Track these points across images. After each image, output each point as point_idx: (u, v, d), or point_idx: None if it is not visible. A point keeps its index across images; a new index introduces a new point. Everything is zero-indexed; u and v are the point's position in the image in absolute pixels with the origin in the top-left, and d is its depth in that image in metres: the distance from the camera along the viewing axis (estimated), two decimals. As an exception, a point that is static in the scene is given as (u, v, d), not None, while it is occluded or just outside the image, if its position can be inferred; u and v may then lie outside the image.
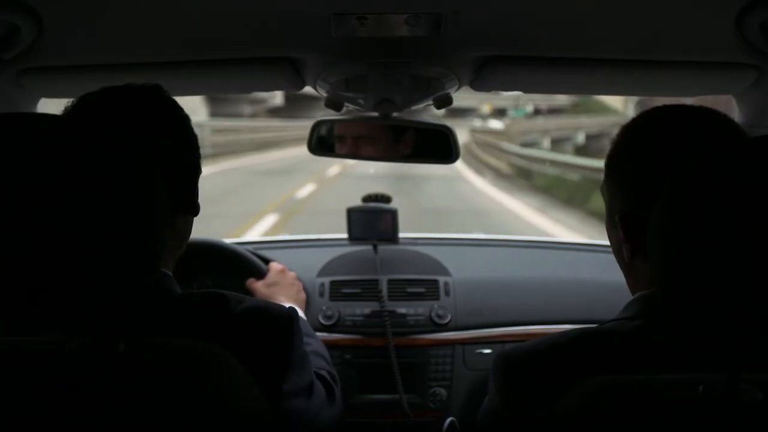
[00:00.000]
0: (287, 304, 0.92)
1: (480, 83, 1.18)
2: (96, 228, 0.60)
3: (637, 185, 0.83)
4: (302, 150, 1.55)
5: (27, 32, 0.93)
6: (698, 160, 0.61)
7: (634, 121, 0.89)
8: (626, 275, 0.89)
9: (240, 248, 1.62)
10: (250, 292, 1.51)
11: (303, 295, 1.57)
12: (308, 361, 0.94)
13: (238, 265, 1.59)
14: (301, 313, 1.19)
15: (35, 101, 1.19)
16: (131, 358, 0.67)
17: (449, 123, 1.35)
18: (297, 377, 0.87)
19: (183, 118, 0.93)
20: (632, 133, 0.87)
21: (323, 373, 0.98)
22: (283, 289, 1.51)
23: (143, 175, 0.65)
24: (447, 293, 1.68)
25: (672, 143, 0.81)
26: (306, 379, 0.91)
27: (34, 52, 1.01)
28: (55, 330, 0.75)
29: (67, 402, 0.63)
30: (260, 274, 1.56)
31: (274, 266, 1.57)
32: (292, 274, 1.57)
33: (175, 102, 0.93)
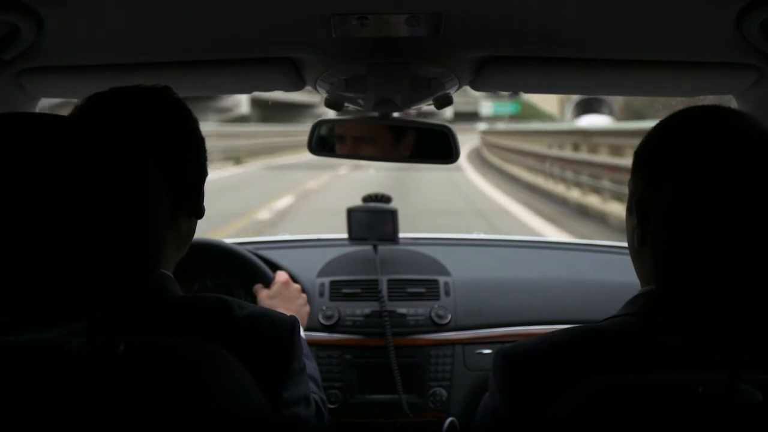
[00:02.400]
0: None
1: (480, 83, 1.18)
2: (94, 228, 0.60)
3: (654, 176, 0.83)
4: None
5: (27, 32, 0.93)
6: (701, 157, 0.61)
7: (668, 117, 0.89)
8: (635, 265, 0.89)
9: (242, 249, 1.61)
10: (251, 295, 1.51)
11: (307, 309, 1.54)
12: (306, 376, 0.93)
13: (240, 267, 1.58)
14: (302, 330, 1.19)
15: (35, 101, 1.19)
16: (131, 358, 0.67)
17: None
18: (296, 387, 0.87)
19: (190, 120, 0.92)
20: (661, 127, 0.88)
21: (315, 397, 0.98)
22: (286, 302, 1.48)
23: (142, 175, 0.65)
24: (447, 293, 1.68)
25: (689, 140, 0.82)
26: (304, 390, 0.91)
27: (34, 52, 1.01)
28: (55, 330, 0.76)
29: (67, 402, 0.63)
30: (264, 279, 1.55)
31: (280, 277, 1.54)
32: (296, 286, 1.55)
33: (183, 104, 0.92)
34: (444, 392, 1.59)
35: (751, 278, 0.56)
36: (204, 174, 0.94)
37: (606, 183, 9.00)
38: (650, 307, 0.80)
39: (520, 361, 0.81)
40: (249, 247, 1.69)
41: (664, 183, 0.65)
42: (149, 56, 1.09)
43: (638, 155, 0.88)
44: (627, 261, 0.92)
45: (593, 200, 9.46)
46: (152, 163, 0.66)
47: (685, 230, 0.60)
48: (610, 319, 0.83)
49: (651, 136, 0.88)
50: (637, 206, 0.85)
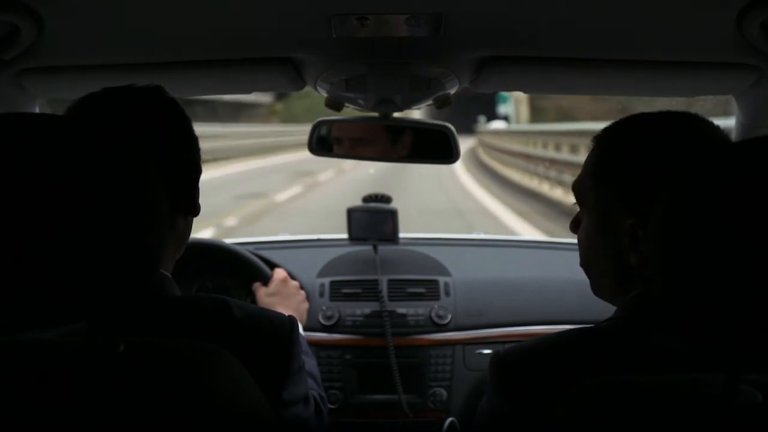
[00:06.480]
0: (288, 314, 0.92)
1: (480, 83, 1.18)
2: (95, 228, 0.60)
3: (635, 186, 0.82)
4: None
5: (27, 32, 0.93)
6: (694, 164, 0.61)
7: (620, 126, 0.88)
8: (612, 274, 0.87)
9: (241, 249, 1.61)
10: (251, 294, 1.51)
11: (306, 305, 1.55)
12: (305, 375, 0.94)
13: (240, 267, 1.58)
14: (300, 328, 1.19)
15: (34, 101, 1.19)
16: (131, 358, 0.67)
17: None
18: (296, 387, 0.88)
19: (184, 119, 0.93)
20: (626, 139, 0.86)
21: (314, 393, 0.99)
22: (285, 299, 1.49)
23: (142, 175, 0.65)
24: (447, 293, 1.68)
25: (670, 146, 0.82)
26: (304, 389, 0.91)
27: (34, 52, 1.00)
28: (55, 330, 0.76)
29: (67, 402, 0.63)
30: (262, 277, 1.55)
31: (278, 274, 1.55)
32: (294, 283, 1.56)
33: (176, 103, 0.93)
34: (444, 392, 1.59)
35: (751, 278, 0.56)
36: (199, 172, 0.94)
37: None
38: (646, 309, 0.80)
39: (516, 363, 0.81)
40: (248, 247, 1.69)
41: (650, 191, 0.64)
42: (149, 56, 1.09)
43: (604, 170, 0.86)
44: None
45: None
46: (151, 163, 0.66)
47: (685, 234, 0.59)
48: (606, 321, 0.83)
49: (615, 147, 0.86)
50: (631, 230, 0.82)
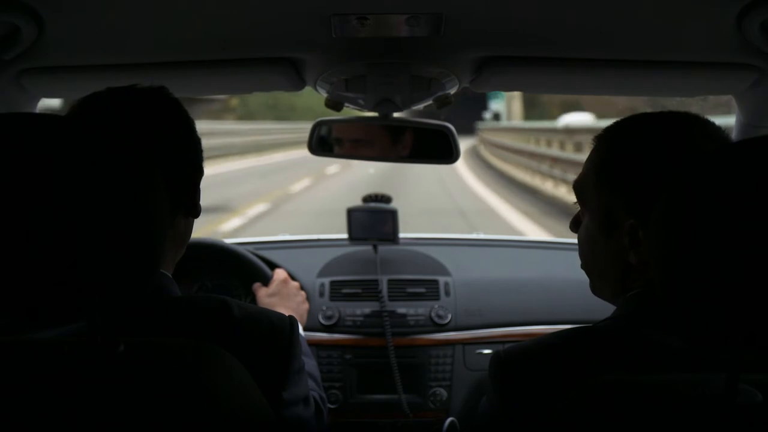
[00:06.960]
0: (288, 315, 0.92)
1: (480, 83, 1.18)
2: (95, 228, 0.60)
3: (637, 187, 0.82)
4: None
5: (27, 33, 0.93)
6: (694, 163, 0.61)
7: (622, 125, 0.88)
8: (612, 274, 0.87)
9: (242, 249, 1.62)
10: (251, 294, 1.51)
11: (306, 306, 1.55)
12: (305, 375, 0.94)
13: (240, 267, 1.59)
14: (300, 328, 1.19)
15: (35, 101, 1.19)
16: (131, 358, 0.67)
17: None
18: (296, 387, 0.88)
19: (186, 120, 0.92)
20: (628, 139, 0.86)
21: (314, 395, 0.99)
22: (285, 300, 1.49)
23: (143, 175, 0.65)
24: (447, 293, 1.68)
25: (671, 148, 0.82)
26: (304, 390, 0.91)
27: (34, 53, 1.01)
28: (55, 330, 0.76)
29: (66, 403, 0.63)
30: (263, 278, 1.55)
31: (278, 275, 1.55)
32: (295, 284, 1.56)
33: (179, 103, 0.93)
34: (444, 392, 1.59)
35: (751, 278, 0.56)
36: (200, 173, 0.94)
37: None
38: (646, 308, 0.80)
39: (514, 363, 0.81)
40: (249, 247, 1.69)
41: (652, 192, 0.64)
42: (149, 56, 1.09)
43: (607, 167, 0.86)
44: None
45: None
46: (153, 163, 0.66)
47: (685, 233, 0.60)
48: (605, 320, 0.83)
49: (618, 147, 0.86)
50: (631, 229, 0.82)
